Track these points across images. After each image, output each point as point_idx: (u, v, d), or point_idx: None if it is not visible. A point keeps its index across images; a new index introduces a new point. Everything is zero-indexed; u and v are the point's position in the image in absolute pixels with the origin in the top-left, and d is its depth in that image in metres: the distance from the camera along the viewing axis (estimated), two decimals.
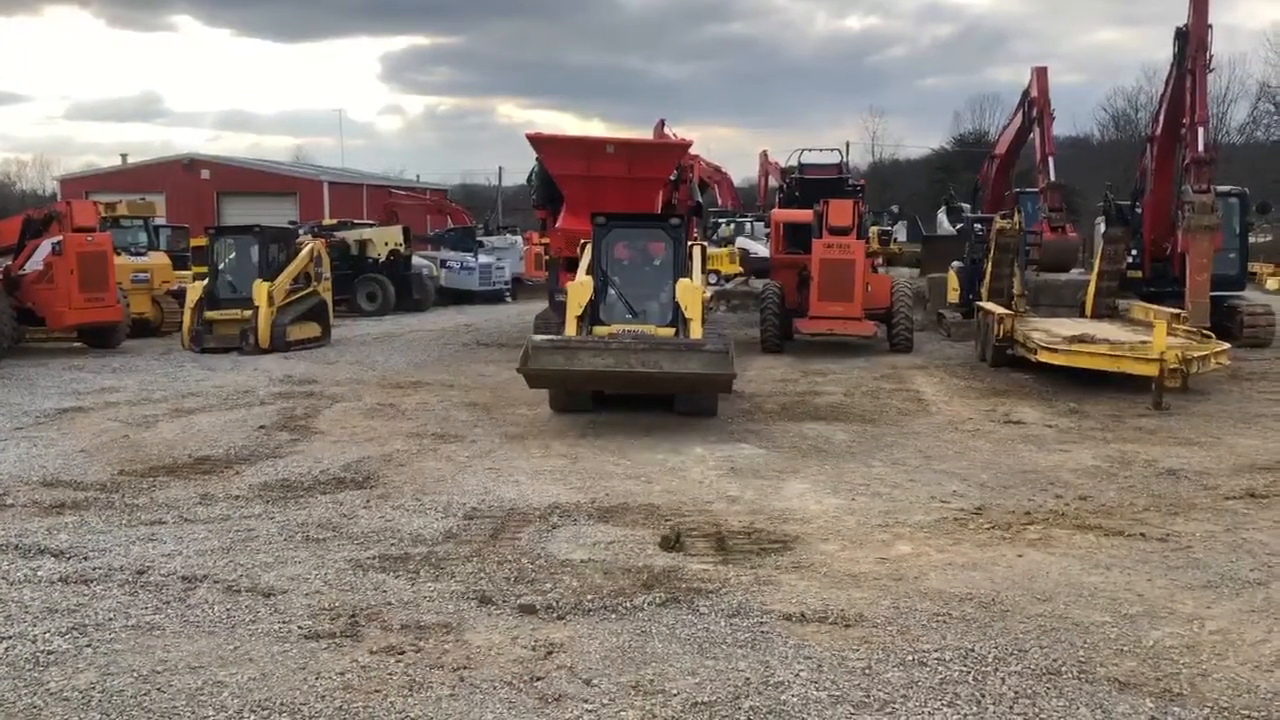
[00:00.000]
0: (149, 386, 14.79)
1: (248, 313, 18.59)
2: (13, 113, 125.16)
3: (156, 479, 9.35)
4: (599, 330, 12.37)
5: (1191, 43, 17.55)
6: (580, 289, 12.37)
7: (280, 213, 39.42)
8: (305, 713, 4.81)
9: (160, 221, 29.64)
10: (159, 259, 22.84)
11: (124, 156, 52.60)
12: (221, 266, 20.05)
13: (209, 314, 19.05)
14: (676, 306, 12.35)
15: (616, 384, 11.61)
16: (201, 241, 23.60)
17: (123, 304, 19.30)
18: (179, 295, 20.75)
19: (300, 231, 25.65)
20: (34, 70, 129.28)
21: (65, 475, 9.49)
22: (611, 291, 12.94)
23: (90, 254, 18.35)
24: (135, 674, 5.22)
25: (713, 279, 31.88)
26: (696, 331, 11.94)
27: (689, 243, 13.55)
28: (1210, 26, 17.61)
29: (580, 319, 12.22)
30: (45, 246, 18.42)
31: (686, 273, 12.83)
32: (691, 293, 12.21)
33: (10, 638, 5.68)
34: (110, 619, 5.94)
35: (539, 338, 11.71)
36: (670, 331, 12.32)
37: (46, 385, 14.90)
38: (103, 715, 4.81)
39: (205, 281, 19.65)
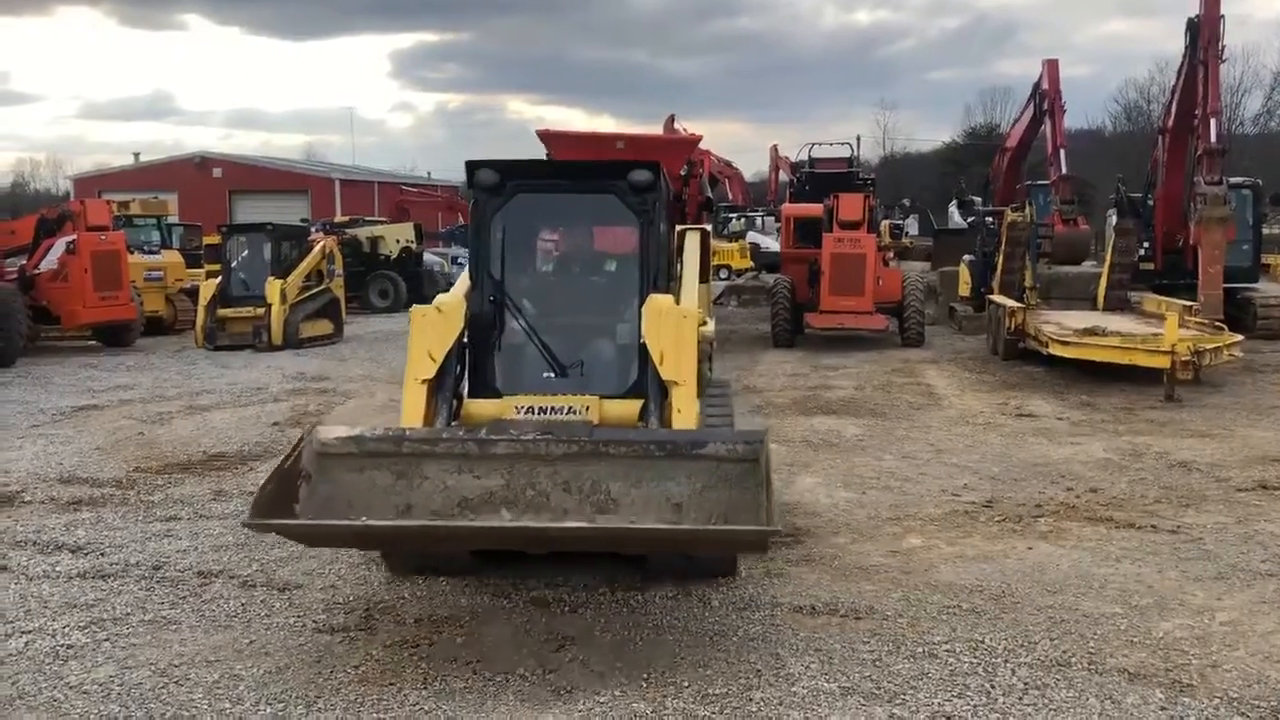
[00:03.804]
0: (163, 384, 14.89)
1: (260, 310, 18.72)
2: (25, 113, 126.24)
3: (171, 475, 9.43)
4: (481, 409, 6.32)
5: (1203, 33, 17.47)
6: (437, 321, 6.15)
7: (292, 210, 39.67)
8: (321, 705, 4.86)
9: (173, 220, 29.88)
10: (172, 257, 23.03)
11: (136, 155, 52.96)
12: (234, 264, 20.16)
13: (222, 312, 19.17)
14: (645, 355, 6.19)
15: (505, 543, 5.79)
16: (214, 239, 23.72)
17: (136, 302, 19.45)
18: (192, 293, 20.91)
19: (312, 229, 25.80)
20: (46, 70, 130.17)
21: (82, 472, 9.58)
22: (513, 325, 6.54)
23: (104, 253, 18.48)
24: (153, 667, 5.28)
25: (722, 274, 31.86)
26: (688, 413, 6.01)
27: (677, 227, 7.98)
28: (1222, 16, 17.52)
29: (435, 383, 6.15)
30: (59, 245, 18.55)
31: (664, 283, 6.72)
32: (670, 323, 6.06)
33: (31, 632, 5.75)
34: (128, 613, 6.01)
35: (332, 435, 5.83)
36: (633, 411, 6.27)
37: (62, 383, 15.02)
38: (122, 708, 4.87)
39: (218, 279, 19.76)
